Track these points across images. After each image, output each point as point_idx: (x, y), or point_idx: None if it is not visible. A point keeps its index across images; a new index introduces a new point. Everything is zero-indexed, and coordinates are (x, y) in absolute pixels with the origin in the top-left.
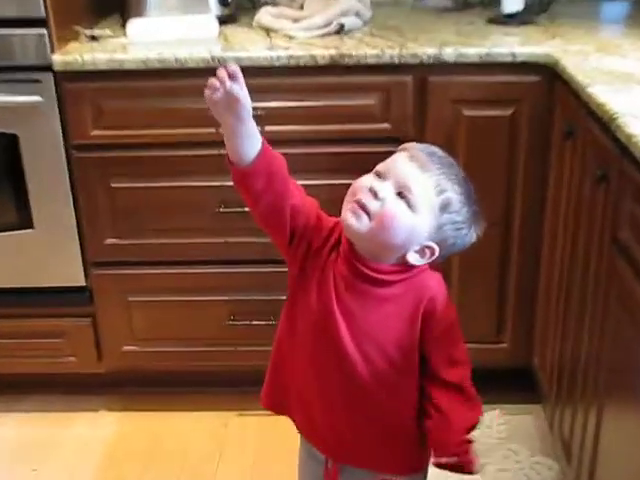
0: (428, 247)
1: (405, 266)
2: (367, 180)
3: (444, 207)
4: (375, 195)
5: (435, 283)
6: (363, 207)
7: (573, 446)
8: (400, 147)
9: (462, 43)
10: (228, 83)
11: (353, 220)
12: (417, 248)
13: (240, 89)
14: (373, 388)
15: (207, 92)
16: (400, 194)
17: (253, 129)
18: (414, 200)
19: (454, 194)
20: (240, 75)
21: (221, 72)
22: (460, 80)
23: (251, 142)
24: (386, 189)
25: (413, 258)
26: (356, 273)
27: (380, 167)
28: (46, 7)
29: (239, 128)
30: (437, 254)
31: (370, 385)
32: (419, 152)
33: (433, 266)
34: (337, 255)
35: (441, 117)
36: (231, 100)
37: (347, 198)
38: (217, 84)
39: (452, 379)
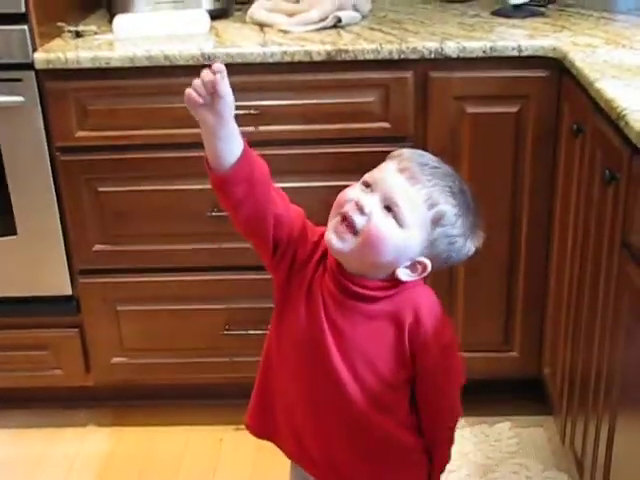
0: (420, 262)
1: (395, 281)
2: (353, 192)
3: (436, 221)
4: (361, 210)
5: (424, 300)
6: (348, 223)
7: (585, 460)
8: (390, 155)
9: (465, 36)
10: (214, 80)
11: (336, 241)
12: (408, 264)
13: (225, 86)
14: (364, 407)
15: (189, 91)
16: (388, 208)
17: (235, 130)
18: (402, 215)
19: (448, 206)
20: (225, 72)
21: (207, 75)
22: (463, 76)
23: (232, 144)
24: (372, 203)
25: (403, 274)
26: (344, 290)
27: (368, 177)
28: (27, 2)
29: (220, 128)
30: (429, 269)
31: (361, 404)
32: (409, 163)
33: (427, 278)
34: (324, 270)
35: (443, 115)
36: (214, 98)
37: (333, 211)
38: (203, 90)
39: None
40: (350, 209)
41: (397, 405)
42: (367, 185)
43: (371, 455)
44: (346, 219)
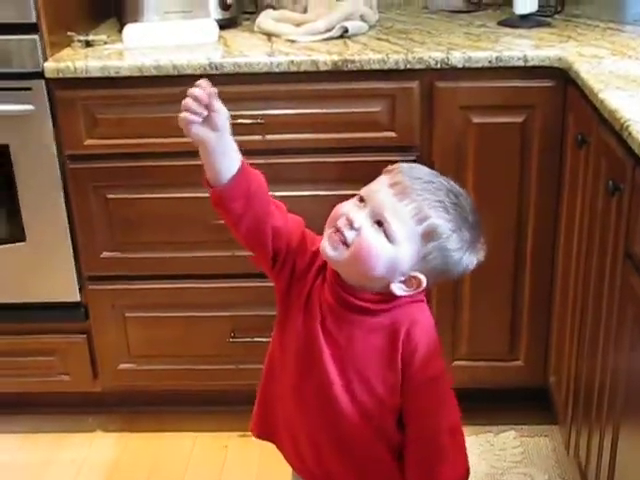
0: (414, 277)
1: (390, 295)
2: (347, 207)
3: (427, 235)
4: (351, 225)
5: (421, 318)
6: (340, 236)
7: (589, 470)
8: (385, 169)
9: (471, 47)
10: (210, 92)
11: (330, 250)
12: (402, 278)
13: (217, 100)
14: (355, 420)
15: (184, 114)
16: (378, 223)
17: (232, 143)
18: (392, 230)
19: (440, 221)
20: (214, 89)
21: (199, 91)
22: (469, 85)
23: (231, 158)
24: (362, 218)
25: (397, 288)
26: (340, 300)
27: (362, 191)
28: (38, 12)
29: (219, 143)
30: (424, 284)
31: (352, 416)
32: (402, 177)
33: (429, 294)
34: (323, 279)
35: (449, 124)
36: (210, 113)
37: (327, 224)
38: (198, 107)
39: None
40: (341, 223)
41: (388, 427)
42: (361, 200)
43: (363, 471)
44: (338, 233)
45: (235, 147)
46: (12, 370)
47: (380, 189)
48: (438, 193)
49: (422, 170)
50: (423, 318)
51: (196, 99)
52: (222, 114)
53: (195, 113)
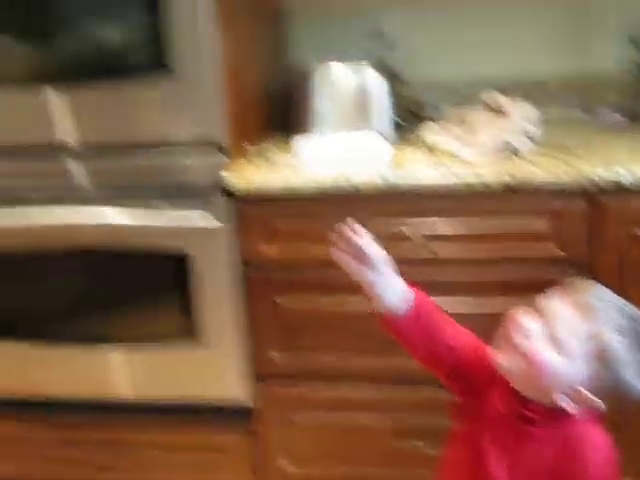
0: (580, 393)
1: (563, 411)
2: (522, 316)
3: (600, 356)
4: (526, 335)
5: (591, 438)
6: (515, 348)
7: None
8: (563, 283)
9: (637, 163)
10: (356, 242)
11: (504, 361)
12: (568, 392)
13: (367, 244)
14: None
15: (333, 251)
16: (552, 336)
17: (392, 279)
18: (564, 344)
19: (616, 344)
20: (363, 232)
21: (346, 232)
22: (637, 203)
23: (392, 292)
24: (537, 329)
25: (562, 401)
26: (513, 411)
27: (538, 303)
28: (222, 131)
29: (375, 278)
30: (592, 403)
31: None
32: (581, 295)
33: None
34: (496, 390)
35: (615, 241)
36: (361, 255)
37: (501, 330)
38: (349, 248)
39: None
40: (515, 332)
41: None
42: (536, 310)
43: None
44: (511, 341)
45: (398, 283)
46: (174, 465)
47: (558, 304)
48: (619, 316)
49: (604, 291)
50: (595, 438)
51: (345, 239)
52: (374, 256)
53: (342, 251)
